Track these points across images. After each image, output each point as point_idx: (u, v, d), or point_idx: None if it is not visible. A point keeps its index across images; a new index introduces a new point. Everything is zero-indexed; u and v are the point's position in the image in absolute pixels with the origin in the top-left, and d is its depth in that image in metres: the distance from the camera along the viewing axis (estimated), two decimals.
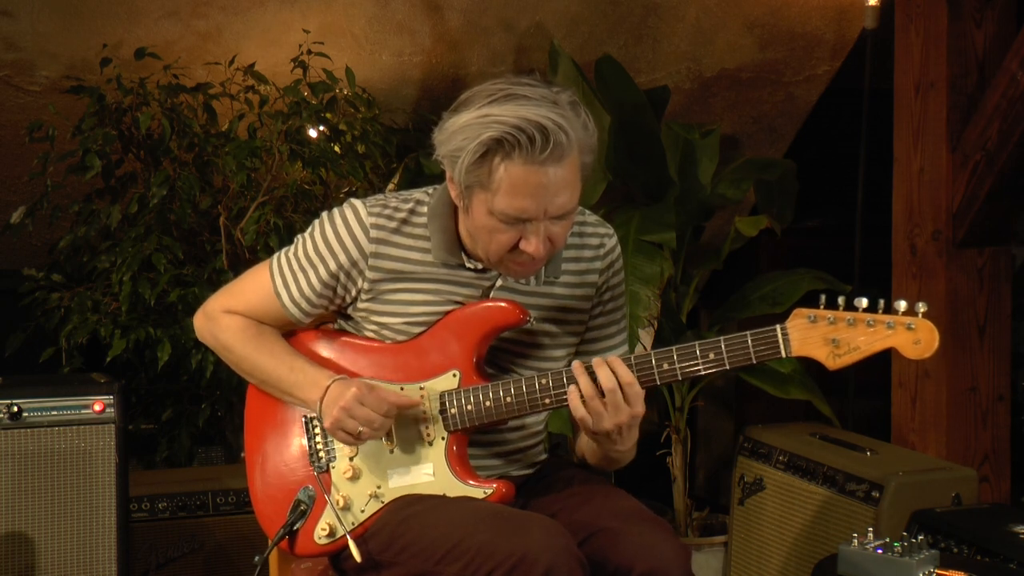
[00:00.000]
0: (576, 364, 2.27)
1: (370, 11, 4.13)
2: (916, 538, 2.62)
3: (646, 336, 3.75)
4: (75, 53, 3.89)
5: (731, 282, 4.62)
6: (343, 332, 2.49)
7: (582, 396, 2.25)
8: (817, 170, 4.77)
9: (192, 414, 3.98)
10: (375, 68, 4.21)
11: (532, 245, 2.24)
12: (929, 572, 2.56)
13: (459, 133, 2.20)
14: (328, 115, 3.95)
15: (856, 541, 2.63)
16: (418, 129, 4.26)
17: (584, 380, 2.25)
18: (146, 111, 3.79)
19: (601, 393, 2.24)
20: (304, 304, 2.43)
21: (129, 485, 3.21)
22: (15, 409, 3.10)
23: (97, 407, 3.16)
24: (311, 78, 3.93)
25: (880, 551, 2.58)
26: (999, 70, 3.71)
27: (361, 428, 2.32)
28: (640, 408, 2.25)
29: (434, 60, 4.28)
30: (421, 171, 3.97)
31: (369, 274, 2.38)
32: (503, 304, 2.35)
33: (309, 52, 3.91)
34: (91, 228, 3.80)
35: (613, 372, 2.23)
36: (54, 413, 3.13)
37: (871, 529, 2.73)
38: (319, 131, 3.92)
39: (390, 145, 4.03)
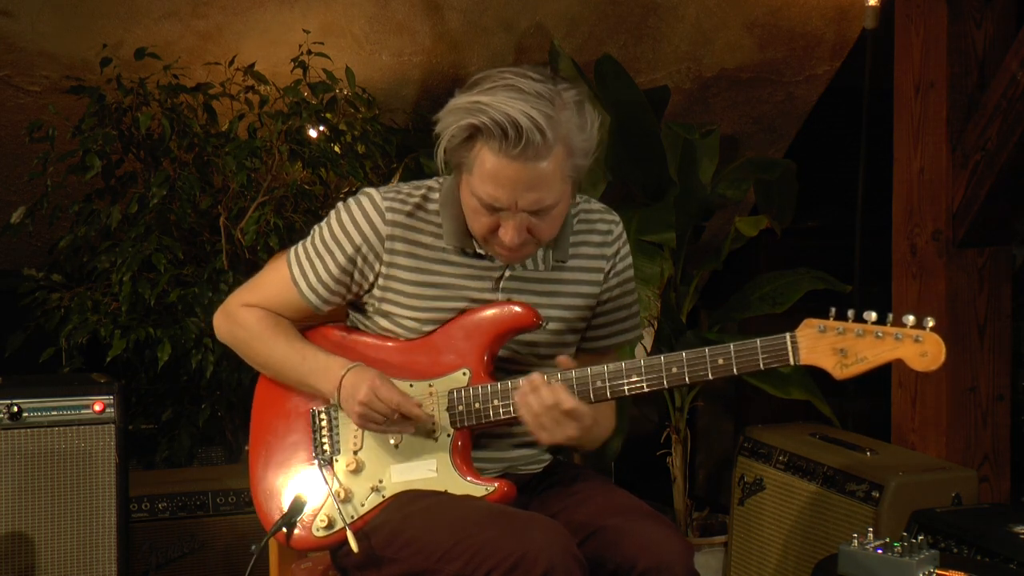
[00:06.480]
0: (527, 380, 2.31)
1: (370, 11, 4.13)
2: (916, 538, 2.62)
3: (646, 336, 3.75)
4: (75, 53, 3.89)
5: (731, 282, 4.62)
6: (355, 330, 2.51)
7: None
8: (817, 170, 4.77)
9: (192, 414, 3.98)
10: (375, 68, 4.21)
11: (507, 234, 2.29)
12: (929, 572, 2.56)
13: (451, 114, 2.26)
14: (328, 115, 3.95)
15: (856, 541, 2.63)
16: (418, 129, 4.25)
17: (531, 398, 2.29)
18: (146, 111, 3.79)
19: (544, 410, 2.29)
20: (322, 290, 2.44)
21: (129, 485, 3.21)
22: (15, 409, 3.10)
23: (97, 407, 3.16)
24: (311, 78, 3.93)
25: (880, 551, 2.58)
26: (999, 70, 3.71)
27: (383, 421, 2.36)
28: (571, 432, 2.29)
29: (434, 60, 4.28)
30: (421, 171, 3.97)
31: (386, 257, 2.40)
32: (517, 308, 2.38)
33: (309, 52, 3.91)
34: (91, 228, 3.80)
35: (552, 394, 2.28)
36: (54, 413, 3.13)
37: (871, 529, 2.73)
38: (319, 131, 3.92)
39: (390, 145, 4.03)
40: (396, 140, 4.10)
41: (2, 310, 4.04)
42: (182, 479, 3.56)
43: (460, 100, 2.26)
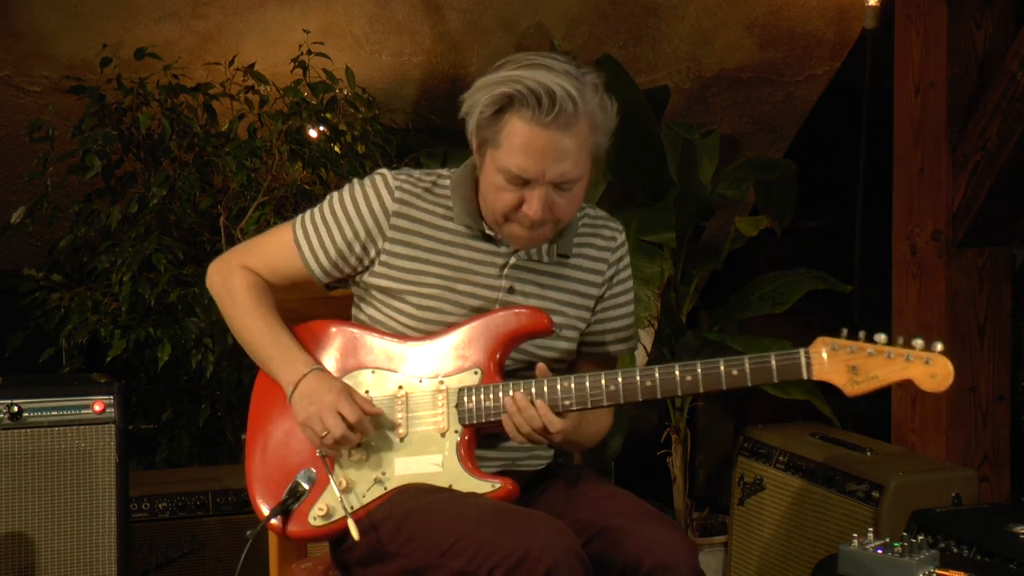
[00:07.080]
0: (509, 400, 2.36)
1: (370, 11, 4.13)
2: (916, 538, 2.62)
3: (646, 336, 3.75)
4: (75, 53, 3.89)
5: (731, 282, 4.62)
6: (365, 326, 2.52)
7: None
8: (817, 170, 4.77)
9: (192, 414, 3.98)
10: (375, 68, 4.21)
11: (532, 207, 2.33)
12: (929, 572, 2.56)
13: (481, 90, 2.33)
14: (328, 115, 3.95)
15: (856, 541, 2.63)
16: (418, 129, 4.26)
17: (517, 418, 2.35)
18: (146, 111, 3.79)
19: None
20: (323, 258, 2.47)
21: (129, 485, 3.21)
22: (15, 409, 3.10)
23: (97, 407, 3.16)
24: (311, 78, 3.93)
25: (880, 551, 2.58)
26: (999, 70, 3.71)
27: (325, 433, 2.37)
28: (554, 439, 2.37)
29: (434, 60, 4.28)
30: None
31: (389, 233, 2.44)
32: (531, 313, 2.41)
33: (309, 52, 3.91)
34: (91, 228, 3.79)
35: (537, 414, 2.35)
36: (54, 413, 3.13)
37: (871, 529, 2.73)
38: (319, 131, 3.92)
39: (390, 145, 4.03)
40: (396, 140, 4.10)
41: (2, 310, 4.04)
42: (182, 479, 3.56)
43: (489, 78, 2.33)
